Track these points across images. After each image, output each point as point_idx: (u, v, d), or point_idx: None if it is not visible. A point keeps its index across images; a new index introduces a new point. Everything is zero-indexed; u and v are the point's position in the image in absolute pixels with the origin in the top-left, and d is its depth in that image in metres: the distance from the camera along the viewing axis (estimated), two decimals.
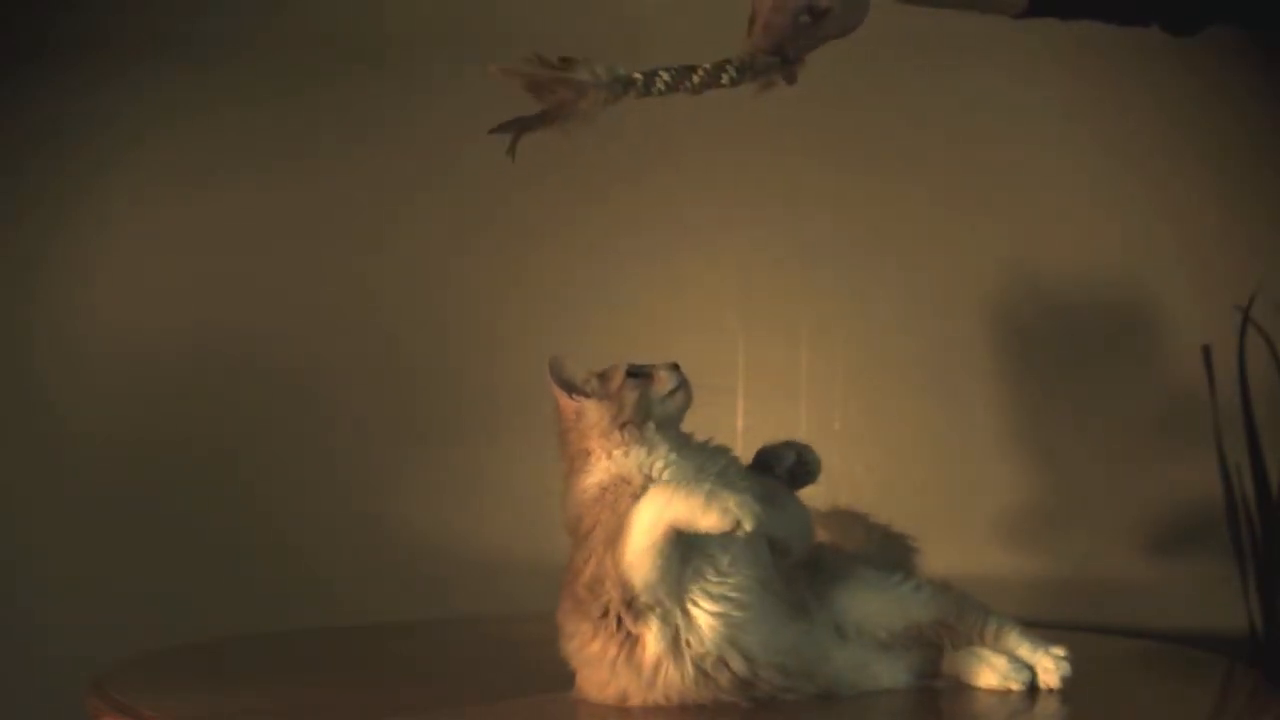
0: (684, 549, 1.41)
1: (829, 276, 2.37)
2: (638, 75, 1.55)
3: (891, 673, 1.52)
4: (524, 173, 2.40)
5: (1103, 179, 2.36)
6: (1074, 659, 1.50)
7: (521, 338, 2.32)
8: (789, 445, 1.58)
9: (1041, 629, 1.82)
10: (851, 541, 1.69)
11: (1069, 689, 1.52)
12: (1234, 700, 1.68)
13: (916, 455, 2.33)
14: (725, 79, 1.57)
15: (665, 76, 1.56)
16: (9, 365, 2.43)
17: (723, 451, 1.54)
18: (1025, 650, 1.51)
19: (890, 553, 1.70)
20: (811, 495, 1.59)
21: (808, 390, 2.35)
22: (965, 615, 1.52)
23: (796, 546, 1.54)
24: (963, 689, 1.53)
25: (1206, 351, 2.27)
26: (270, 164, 2.42)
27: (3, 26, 2.40)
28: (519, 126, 1.57)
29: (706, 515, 1.37)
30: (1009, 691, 1.50)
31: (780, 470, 1.57)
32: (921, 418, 2.35)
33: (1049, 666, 1.50)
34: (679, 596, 1.42)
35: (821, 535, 1.67)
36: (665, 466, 1.47)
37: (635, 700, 1.44)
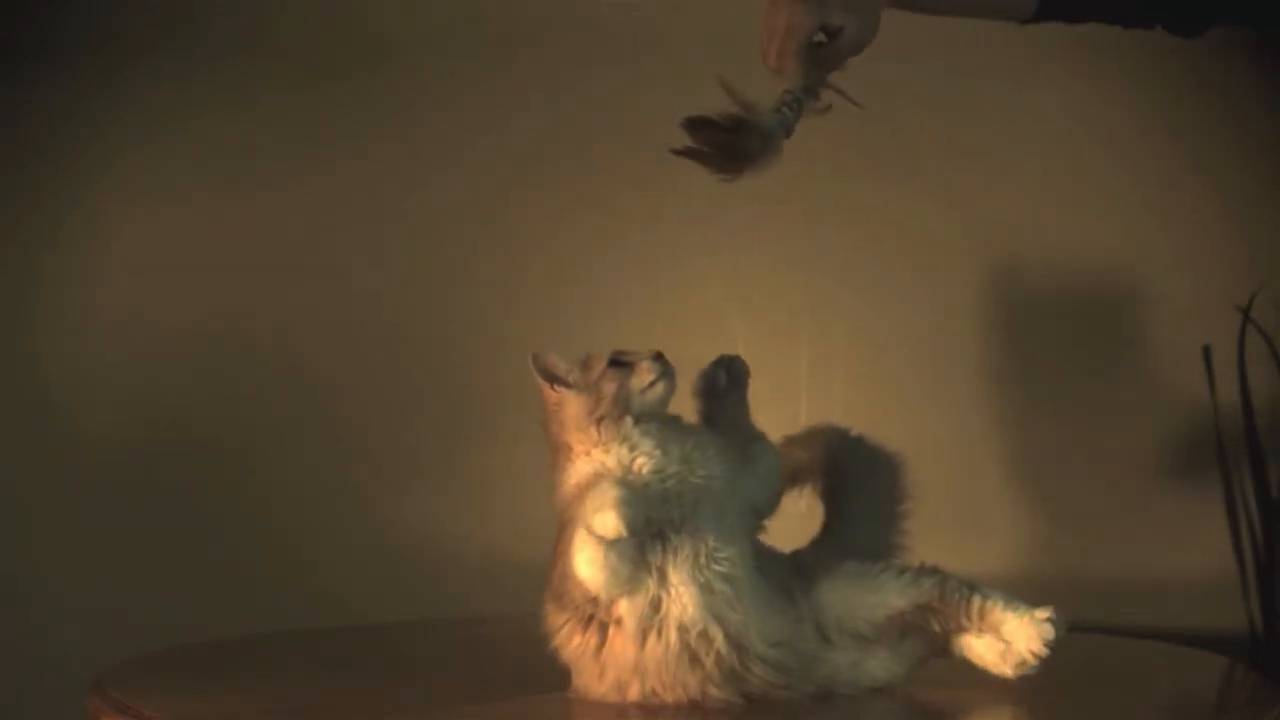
0: (642, 535, 1.40)
1: (829, 277, 2.37)
2: (785, 113, 1.56)
3: (888, 666, 1.50)
4: (527, 174, 2.42)
5: (1104, 179, 2.36)
6: (1062, 619, 1.46)
7: (523, 338, 2.30)
8: (717, 364, 1.59)
9: None
10: (831, 458, 1.67)
11: (1069, 687, 1.52)
12: (1234, 700, 1.68)
13: (916, 455, 2.32)
14: (807, 107, 1.59)
15: (789, 114, 1.57)
16: (10, 365, 2.43)
17: (705, 433, 1.53)
18: (1010, 625, 1.46)
19: (876, 473, 1.68)
20: None
21: (808, 390, 2.35)
22: (948, 596, 1.47)
23: (770, 498, 1.54)
24: (961, 687, 1.52)
25: (1206, 351, 2.27)
26: (272, 164, 2.42)
27: (3, 26, 2.40)
28: (702, 156, 1.56)
29: (589, 520, 1.37)
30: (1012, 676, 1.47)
31: (719, 389, 1.57)
32: (921, 418, 2.34)
33: (1032, 634, 1.45)
34: (646, 577, 1.42)
35: (802, 455, 1.67)
36: (647, 462, 1.47)
37: (632, 690, 1.44)
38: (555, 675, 1.50)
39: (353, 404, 2.41)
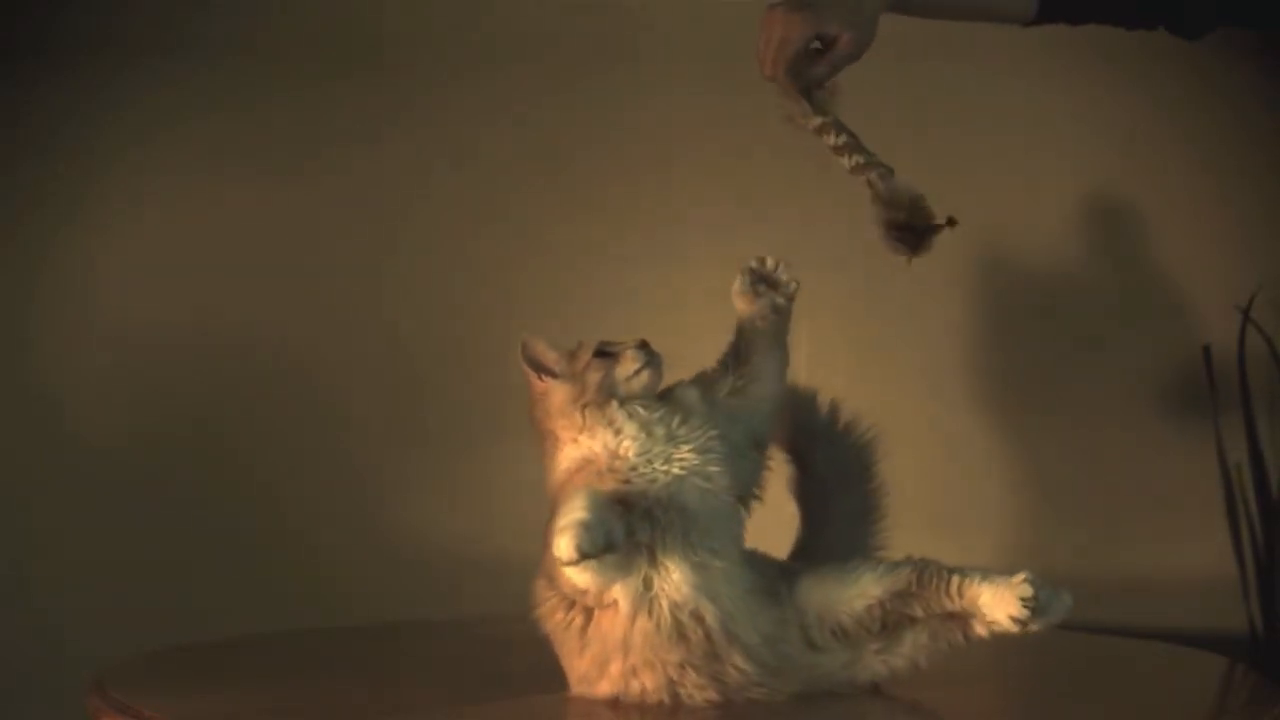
0: (627, 527, 1.40)
1: (829, 276, 2.36)
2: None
3: (888, 660, 1.48)
4: (527, 173, 2.42)
5: (1104, 179, 2.36)
6: (1038, 580, 1.43)
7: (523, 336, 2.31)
8: (753, 277, 1.59)
9: None
10: (797, 422, 1.65)
11: (1069, 687, 1.51)
12: (1234, 700, 1.68)
13: (916, 455, 2.33)
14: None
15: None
16: (11, 364, 2.43)
17: (692, 398, 1.52)
18: (985, 596, 1.43)
19: (843, 447, 1.67)
20: None
21: None
22: (925, 580, 1.45)
23: (765, 427, 1.55)
24: (960, 686, 1.52)
25: (1206, 351, 2.28)
26: (271, 163, 2.42)
27: (3, 26, 2.40)
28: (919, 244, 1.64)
29: (553, 540, 1.36)
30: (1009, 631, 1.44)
31: (772, 294, 1.58)
32: (921, 418, 2.35)
33: (1008, 598, 1.42)
34: (638, 557, 1.41)
35: None
36: (632, 445, 1.46)
37: (613, 666, 1.44)
38: (555, 675, 1.50)
39: (353, 404, 2.41)
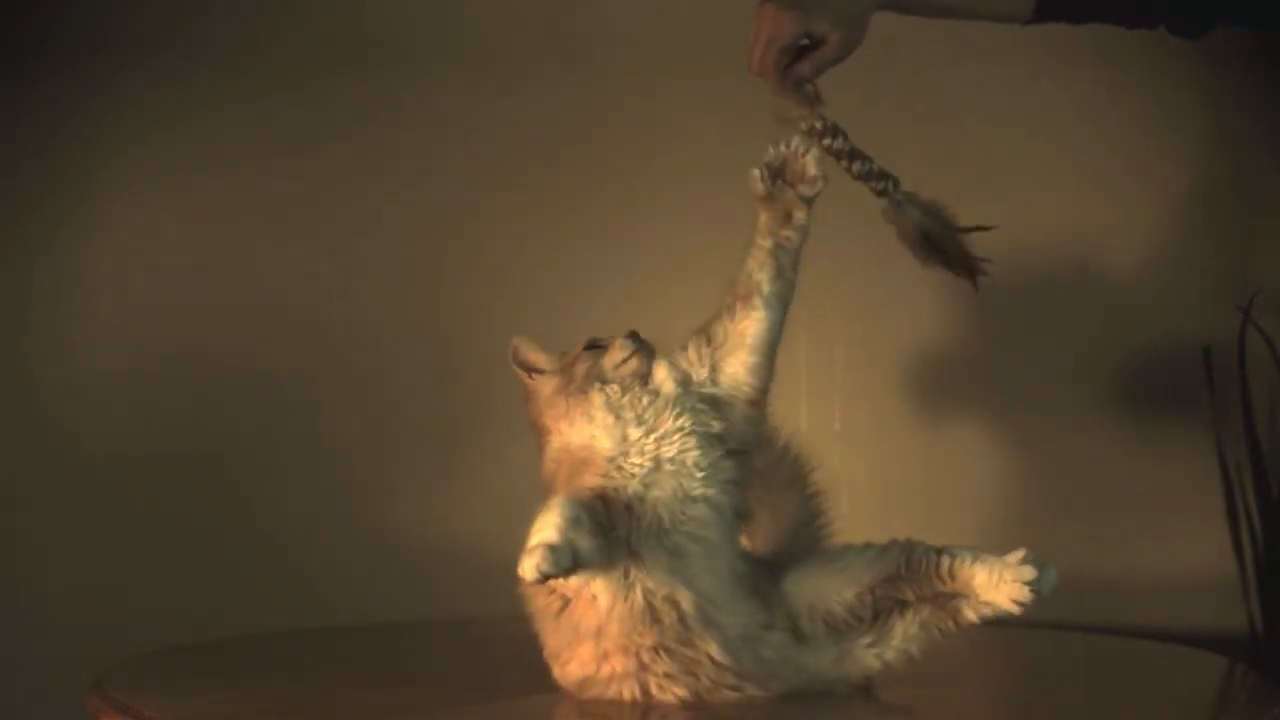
0: (609, 522, 1.40)
1: (828, 276, 2.36)
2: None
3: (879, 653, 1.47)
4: (518, 171, 2.42)
5: (1103, 179, 2.36)
6: (1034, 557, 1.42)
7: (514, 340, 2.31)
8: (770, 171, 1.59)
9: (1040, 629, 1.82)
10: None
11: (1069, 687, 1.51)
12: (1234, 700, 1.68)
13: (916, 455, 2.34)
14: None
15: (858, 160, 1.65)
16: (6, 367, 2.42)
17: (669, 376, 1.51)
18: (981, 578, 1.42)
19: (772, 452, 1.65)
20: None
21: (808, 390, 2.35)
22: (914, 562, 1.44)
23: (748, 376, 1.53)
24: (957, 686, 1.52)
25: (1206, 351, 2.28)
26: (269, 165, 2.42)
27: (3, 26, 2.40)
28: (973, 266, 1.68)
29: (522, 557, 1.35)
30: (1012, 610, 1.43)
31: (789, 194, 1.58)
32: (921, 418, 2.35)
33: (1007, 579, 1.41)
34: (617, 550, 1.41)
35: None
36: (603, 434, 1.46)
37: (585, 648, 1.44)
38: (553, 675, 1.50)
39: (349, 404, 2.41)
